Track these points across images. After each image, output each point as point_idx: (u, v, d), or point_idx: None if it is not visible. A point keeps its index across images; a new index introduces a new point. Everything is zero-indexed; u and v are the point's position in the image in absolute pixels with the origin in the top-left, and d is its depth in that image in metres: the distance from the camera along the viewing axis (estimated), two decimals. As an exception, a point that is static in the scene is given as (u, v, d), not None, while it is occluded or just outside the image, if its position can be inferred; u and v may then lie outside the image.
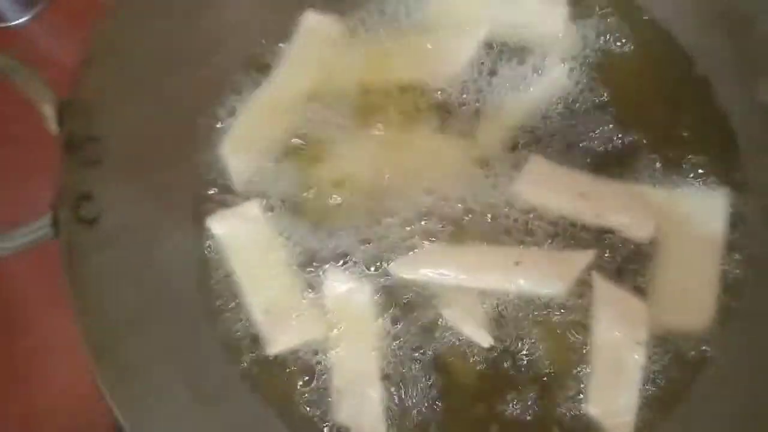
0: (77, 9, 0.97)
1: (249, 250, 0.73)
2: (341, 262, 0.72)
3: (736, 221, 0.71)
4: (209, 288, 0.73)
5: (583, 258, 0.70)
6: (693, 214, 0.71)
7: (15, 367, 0.84)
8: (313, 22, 0.80)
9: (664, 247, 0.71)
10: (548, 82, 0.77)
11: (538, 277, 0.69)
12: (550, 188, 0.72)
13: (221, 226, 0.74)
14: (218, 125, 0.77)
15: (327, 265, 0.72)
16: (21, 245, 0.62)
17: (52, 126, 0.65)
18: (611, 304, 0.69)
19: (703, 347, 0.68)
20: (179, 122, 0.74)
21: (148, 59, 0.71)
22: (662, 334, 0.68)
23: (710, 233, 0.70)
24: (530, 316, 0.69)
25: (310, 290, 0.72)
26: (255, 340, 0.71)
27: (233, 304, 0.72)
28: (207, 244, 0.74)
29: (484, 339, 0.68)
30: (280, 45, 0.80)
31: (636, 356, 0.68)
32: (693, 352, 0.68)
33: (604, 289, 0.70)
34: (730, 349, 0.68)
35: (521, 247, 0.70)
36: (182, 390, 0.66)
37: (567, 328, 0.69)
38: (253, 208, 0.74)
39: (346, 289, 0.70)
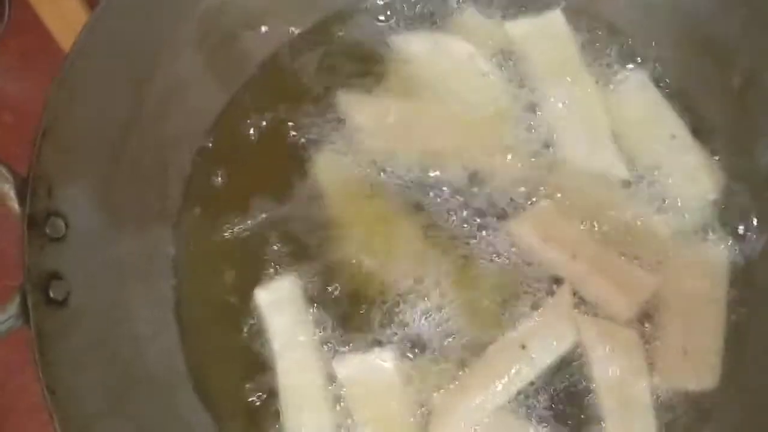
0: (29, 50, 0.94)
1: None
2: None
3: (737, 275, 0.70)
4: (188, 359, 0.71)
5: (565, 298, 0.69)
6: (694, 273, 0.70)
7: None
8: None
9: (666, 307, 0.69)
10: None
11: (547, 347, 0.68)
12: (546, 237, 0.70)
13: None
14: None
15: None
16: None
17: (14, 206, 0.62)
18: (601, 340, 0.68)
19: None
20: (141, 187, 0.72)
21: (104, 127, 0.68)
22: (669, 395, 0.68)
23: (712, 290, 0.69)
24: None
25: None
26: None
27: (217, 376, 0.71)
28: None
29: None
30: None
31: (640, 383, 0.67)
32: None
33: (589, 325, 0.69)
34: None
35: (515, 330, 0.69)
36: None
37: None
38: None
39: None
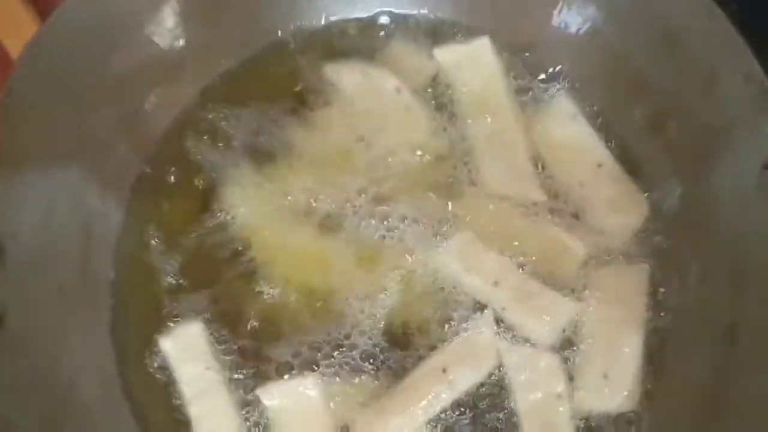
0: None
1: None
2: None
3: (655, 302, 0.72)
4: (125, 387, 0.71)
5: (488, 330, 0.70)
6: (614, 298, 0.71)
7: None
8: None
9: (587, 332, 0.71)
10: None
11: (467, 371, 0.69)
12: (469, 267, 0.71)
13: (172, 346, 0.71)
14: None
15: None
16: None
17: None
18: (523, 366, 0.70)
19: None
20: (80, 218, 0.72)
21: (46, 153, 0.68)
22: (590, 418, 0.69)
23: (631, 316, 0.71)
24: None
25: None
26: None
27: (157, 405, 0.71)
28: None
29: None
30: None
31: (561, 409, 0.69)
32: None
33: (512, 354, 0.70)
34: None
35: (437, 353, 0.70)
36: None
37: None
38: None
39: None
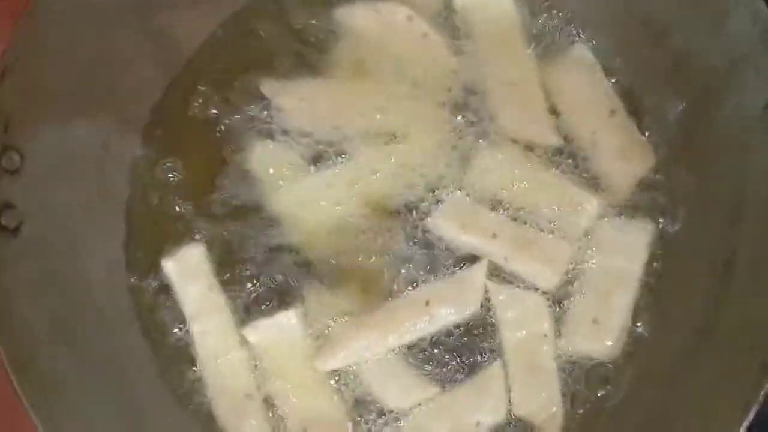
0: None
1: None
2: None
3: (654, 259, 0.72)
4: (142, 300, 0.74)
5: (479, 270, 0.72)
6: (616, 250, 0.72)
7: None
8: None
9: (584, 279, 0.72)
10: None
11: (450, 309, 0.70)
12: (465, 224, 0.72)
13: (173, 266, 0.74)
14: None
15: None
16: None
17: (-31, 136, 0.64)
18: (510, 305, 0.71)
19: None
20: (99, 131, 0.73)
21: (67, 67, 0.70)
22: (571, 358, 0.71)
23: (629, 269, 0.71)
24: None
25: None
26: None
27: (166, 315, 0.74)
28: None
29: None
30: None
31: (545, 348, 0.70)
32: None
33: (500, 293, 0.71)
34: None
35: (423, 283, 0.72)
36: (109, 403, 0.67)
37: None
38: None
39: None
